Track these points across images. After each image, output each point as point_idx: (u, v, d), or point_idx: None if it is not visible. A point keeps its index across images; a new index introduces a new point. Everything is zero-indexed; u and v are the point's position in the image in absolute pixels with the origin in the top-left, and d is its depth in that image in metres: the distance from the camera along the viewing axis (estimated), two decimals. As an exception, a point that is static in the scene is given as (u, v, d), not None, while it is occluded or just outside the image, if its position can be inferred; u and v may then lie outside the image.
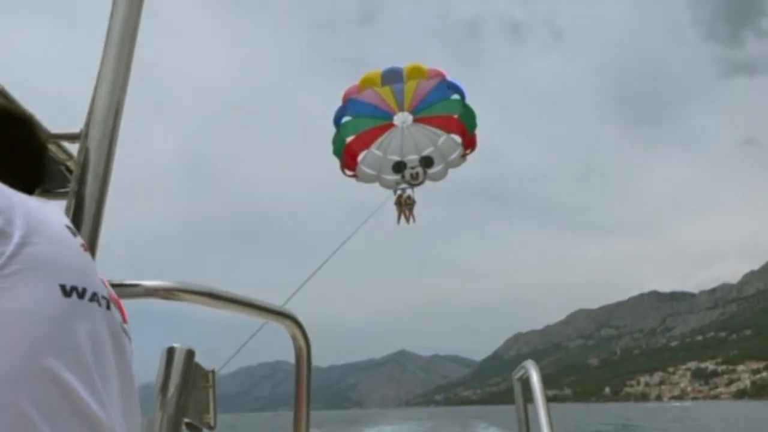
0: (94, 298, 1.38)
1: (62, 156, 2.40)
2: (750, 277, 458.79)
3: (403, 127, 15.52)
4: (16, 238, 1.26)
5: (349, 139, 15.65)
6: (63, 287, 1.31)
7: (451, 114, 15.00)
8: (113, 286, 1.65)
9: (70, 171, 2.38)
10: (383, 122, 15.48)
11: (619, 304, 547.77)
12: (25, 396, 1.17)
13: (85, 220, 1.92)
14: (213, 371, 2.00)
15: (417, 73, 14.61)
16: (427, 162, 15.57)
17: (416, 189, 16.44)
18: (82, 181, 1.94)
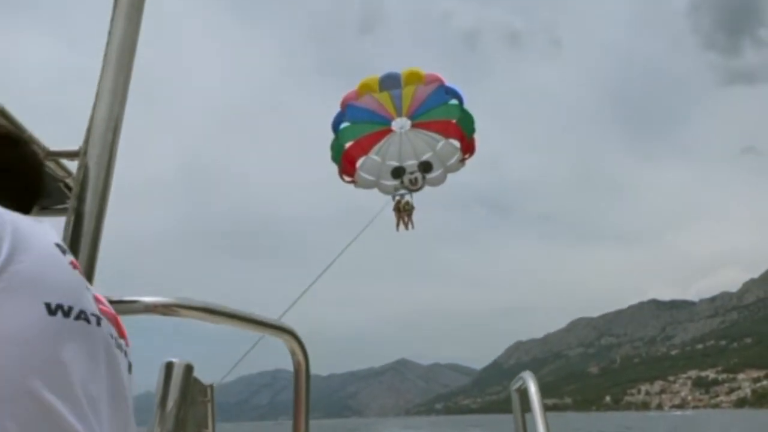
0: (81, 316, 1.36)
1: (61, 173, 2.39)
2: (750, 285, 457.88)
3: (401, 132, 15.47)
4: (1, 256, 1.25)
5: (347, 145, 15.60)
6: (48, 306, 1.30)
7: (449, 119, 14.98)
8: (112, 302, 1.64)
9: (68, 188, 2.37)
10: (381, 128, 15.45)
11: (619, 313, 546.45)
12: (8, 417, 1.16)
13: (84, 237, 1.91)
14: (211, 386, 2.01)
15: (415, 78, 14.59)
16: (425, 167, 15.52)
17: (415, 195, 16.40)
18: (81, 198, 1.94)
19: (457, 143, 15.30)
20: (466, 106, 14.87)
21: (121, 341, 1.52)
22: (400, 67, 15.08)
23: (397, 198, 16.28)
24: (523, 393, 4.25)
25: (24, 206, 1.58)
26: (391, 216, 16.51)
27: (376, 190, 16.08)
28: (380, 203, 16.11)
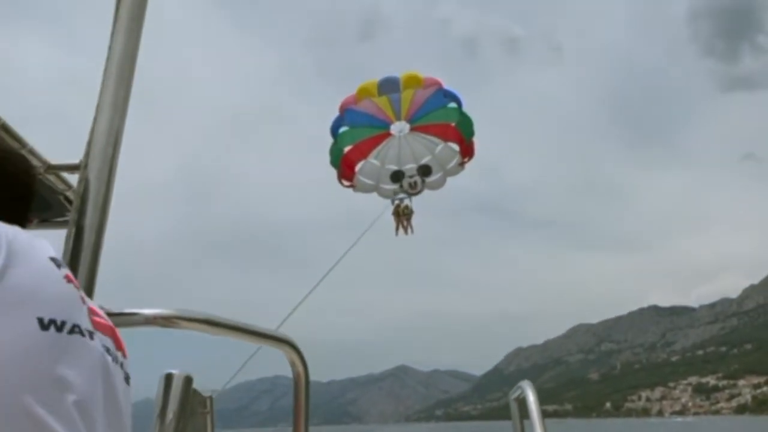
0: (74, 330, 1.36)
1: (61, 186, 2.39)
2: (750, 292, 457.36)
3: (400, 136, 15.46)
4: None
5: (346, 149, 15.60)
6: (41, 320, 1.29)
7: (448, 122, 14.98)
8: (113, 315, 1.65)
9: (69, 201, 2.38)
10: (380, 132, 15.44)
11: (619, 319, 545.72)
12: None
13: (85, 250, 1.92)
14: (211, 397, 2.03)
15: (414, 81, 14.61)
16: (425, 171, 15.50)
17: (414, 200, 16.38)
18: (81, 211, 1.95)
19: (456, 146, 15.29)
20: (465, 109, 14.89)
21: (118, 353, 1.52)
22: (400, 73, 15.11)
23: (396, 202, 16.27)
24: (522, 402, 4.25)
25: (19, 220, 1.57)
26: (391, 220, 16.50)
27: (375, 194, 16.07)
28: (379, 207, 16.11)
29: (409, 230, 16.65)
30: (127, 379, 1.53)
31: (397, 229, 16.57)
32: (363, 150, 15.61)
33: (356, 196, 16.18)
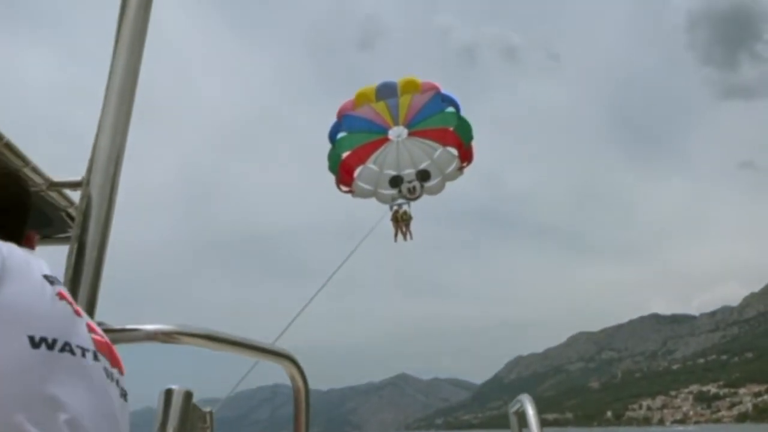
0: (65, 348, 1.36)
1: (63, 203, 2.42)
2: (750, 300, 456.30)
3: (398, 141, 15.37)
4: None
5: (344, 154, 15.50)
6: (31, 338, 1.29)
7: (446, 127, 14.88)
8: (112, 331, 1.67)
9: (71, 217, 2.40)
10: (379, 137, 15.35)
11: (620, 327, 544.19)
12: None
13: (87, 266, 1.94)
14: (211, 412, 2.03)
15: (411, 87, 14.52)
16: (423, 176, 15.39)
17: (414, 210, 16.27)
18: (84, 228, 1.97)
19: (455, 151, 15.19)
20: (463, 114, 14.76)
21: (114, 370, 1.52)
22: (398, 78, 14.99)
23: (395, 208, 16.15)
24: (522, 416, 4.24)
25: (15, 237, 1.57)
26: (390, 227, 16.36)
27: (373, 200, 15.93)
28: (378, 213, 15.98)
29: (408, 236, 16.52)
30: (124, 395, 1.53)
31: (396, 235, 16.46)
32: (361, 155, 15.51)
33: (355, 201, 16.07)
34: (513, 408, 4.62)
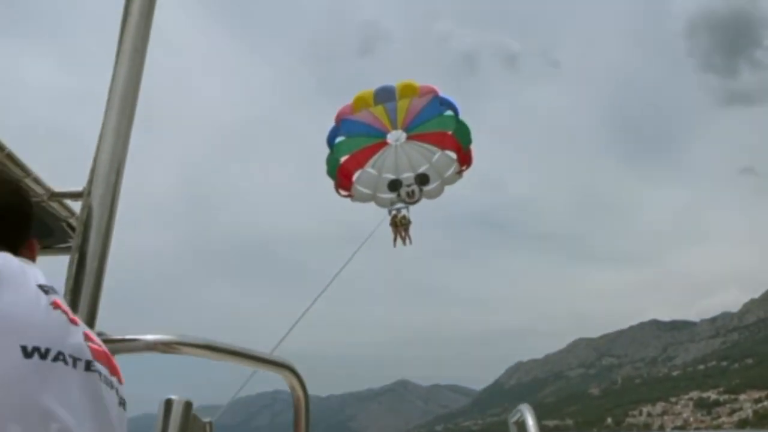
0: (59, 357, 1.36)
1: (64, 213, 2.44)
2: (750, 306, 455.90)
3: (396, 144, 15.29)
4: None
5: (343, 159, 15.42)
6: (24, 348, 1.29)
7: (444, 130, 14.79)
8: (112, 341, 1.68)
9: (72, 227, 2.43)
10: (377, 141, 15.27)
11: (620, 333, 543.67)
12: None
13: (87, 276, 1.94)
14: (210, 422, 2.02)
15: (409, 90, 14.44)
16: (422, 179, 15.30)
17: (414, 216, 16.17)
18: (84, 238, 1.98)
19: (453, 155, 15.11)
20: (462, 117, 14.66)
21: (112, 378, 1.51)
22: (396, 82, 14.90)
23: (394, 212, 16.05)
24: (522, 426, 4.23)
25: (12, 248, 1.57)
26: (388, 232, 16.26)
27: (372, 205, 15.84)
28: (377, 218, 15.88)
29: (407, 241, 16.42)
30: (122, 403, 1.53)
31: (395, 240, 16.36)
32: (360, 159, 15.43)
33: (355, 206, 15.98)
34: (513, 418, 4.61)
